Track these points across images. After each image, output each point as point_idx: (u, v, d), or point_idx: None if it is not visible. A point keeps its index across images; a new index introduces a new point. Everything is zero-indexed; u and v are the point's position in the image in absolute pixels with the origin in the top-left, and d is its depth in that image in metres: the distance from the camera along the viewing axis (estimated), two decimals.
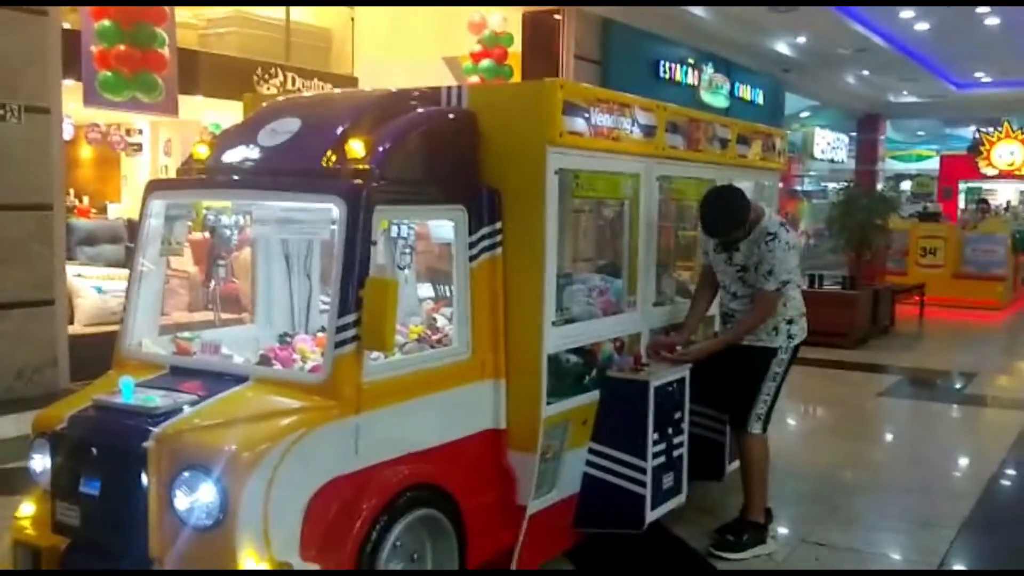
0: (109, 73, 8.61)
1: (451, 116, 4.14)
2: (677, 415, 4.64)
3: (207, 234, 4.42)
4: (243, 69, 10.88)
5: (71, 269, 8.60)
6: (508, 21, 11.67)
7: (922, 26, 17.02)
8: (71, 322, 8.32)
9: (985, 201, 21.58)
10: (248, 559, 3.08)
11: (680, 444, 4.67)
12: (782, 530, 5.15)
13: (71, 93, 8.73)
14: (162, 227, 4.09)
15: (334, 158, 3.68)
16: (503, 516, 4.05)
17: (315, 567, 3.21)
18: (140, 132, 13.11)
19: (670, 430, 4.57)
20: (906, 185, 30.38)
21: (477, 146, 4.09)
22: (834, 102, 25.11)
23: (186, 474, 3.17)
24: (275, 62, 11.37)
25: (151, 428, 3.27)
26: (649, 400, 4.36)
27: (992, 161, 23.89)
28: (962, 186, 25.61)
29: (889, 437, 7.98)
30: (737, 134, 5.59)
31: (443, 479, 3.72)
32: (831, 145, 28.30)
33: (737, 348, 4.75)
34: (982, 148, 24.02)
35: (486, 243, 4.02)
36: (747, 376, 4.78)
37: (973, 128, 26.42)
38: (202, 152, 4.06)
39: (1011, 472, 6.60)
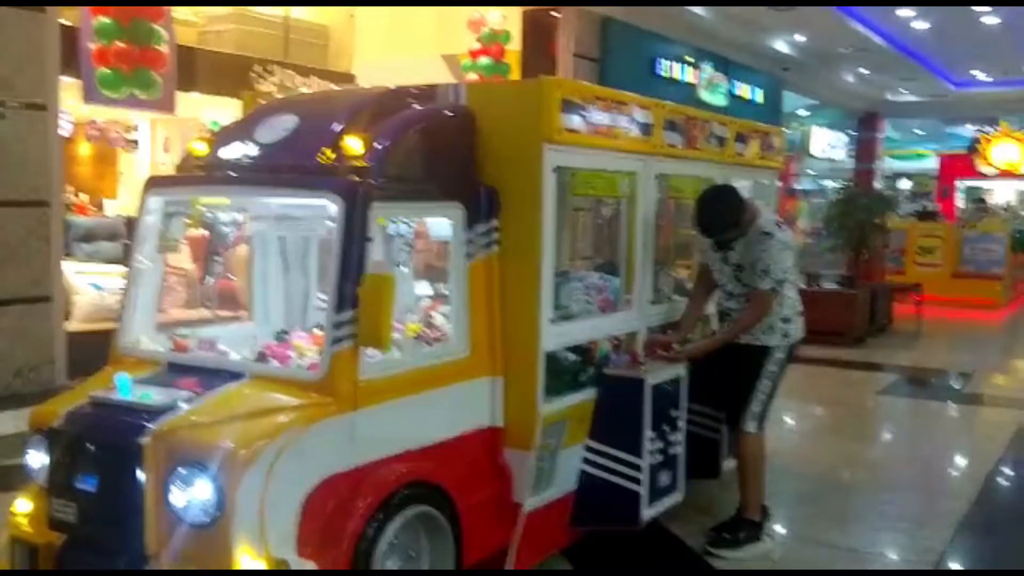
0: (107, 70, 8.61)
1: (449, 114, 4.14)
2: (674, 413, 4.64)
3: (205, 231, 4.42)
4: (241, 66, 10.85)
5: (69, 266, 8.59)
6: (507, 19, 11.67)
7: (921, 25, 17.01)
8: (68, 319, 8.31)
9: (983, 200, 21.60)
10: (244, 555, 3.08)
11: (677, 442, 4.68)
12: (779, 528, 5.15)
13: (70, 90, 8.72)
14: (160, 223, 4.09)
15: (332, 155, 3.68)
16: (500, 514, 4.05)
17: (311, 564, 3.21)
18: (138, 129, 13.09)
19: (667, 428, 4.57)
20: (904, 184, 30.39)
21: (475, 144, 4.09)
22: (833, 101, 25.09)
23: (182, 470, 3.17)
24: (273, 59, 11.35)
25: (148, 425, 3.27)
26: (646, 398, 4.36)
27: (990, 160, 23.89)
28: (960, 185, 25.62)
29: (886, 436, 7.98)
30: (735, 132, 5.59)
31: (440, 477, 3.72)
32: (830, 144, 28.29)
33: (734, 347, 4.75)
34: (980, 147, 24.01)
35: (483, 241, 4.02)
36: (743, 375, 4.79)
37: (972, 127, 26.42)
38: (200, 149, 4.07)
39: (1007, 471, 6.62)
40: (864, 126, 28.35)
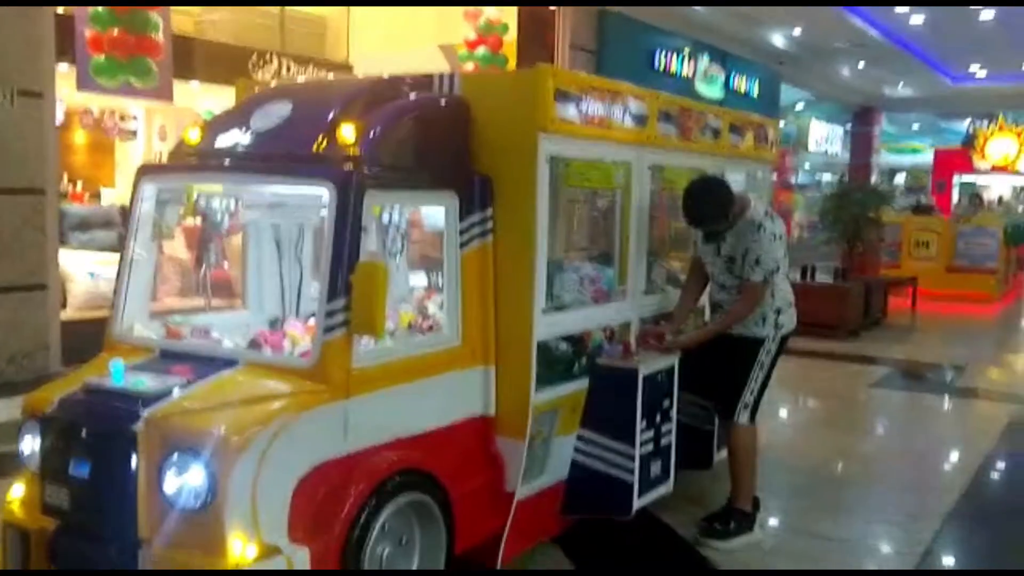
0: (102, 58, 8.57)
1: (443, 103, 4.14)
2: (666, 403, 4.66)
3: (198, 219, 4.42)
4: (238, 56, 10.84)
5: (64, 254, 8.58)
6: (504, 10, 11.64)
7: (917, 20, 17.03)
8: (64, 307, 8.31)
9: (979, 196, 21.63)
10: (236, 541, 3.10)
11: (668, 432, 4.69)
12: (772, 520, 5.18)
13: (64, 78, 8.69)
14: (153, 211, 4.10)
15: (325, 143, 3.68)
16: (491, 502, 4.07)
17: (303, 549, 3.23)
18: (135, 118, 13.07)
19: (658, 418, 4.59)
20: (900, 178, 30.43)
21: (469, 133, 4.09)
22: (829, 95, 25.11)
23: (175, 457, 3.19)
24: (270, 49, 11.33)
25: (141, 411, 3.28)
26: (638, 388, 4.37)
27: (986, 155, 23.92)
28: (956, 180, 25.65)
29: (879, 428, 8.01)
30: (729, 124, 5.60)
31: (432, 464, 3.74)
32: (826, 138, 28.32)
33: (725, 338, 4.76)
34: (976, 142, 24.04)
35: (477, 230, 4.03)
36: (735, 366, 4.80)
37: (967, 122, 26.44)
38: (193, 136, 4.06)
39: (998, 464, 6.66)
40: (860, 120, 28.39)
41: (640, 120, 4.70)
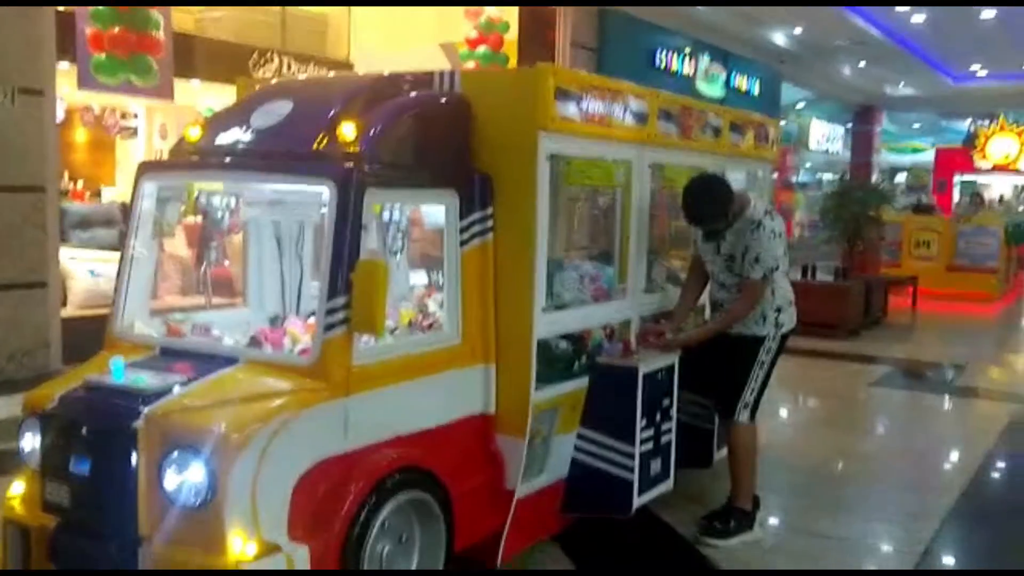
0: (103, 56, 8.58)
1: (443, 101, 4.14)
2: (666, 402, 4.66)
3: (199, 217, 4.43)
4: (239, 54, 10.85)
5: (65, 252, 8.59)
6: (505, 8, 11.65)
7: (919, 19, 17.03)
8: (64, 305, 8.31)
9: (979, 195, 21.63)
10: (236, 539, 3.10)
11: (668, 431, 4.69)
12: (772, 519, 5.18)
13: (65, 76, 8.69)
14: (154, 209, 4.09)
15: (325, 141, 3.68)
16: (491, 500, 4.07)
17: (303, 547, 3.23)
18: (135, 116, 13.07)
19: (658, 417, 4.59)
20: (901, 177, 30.41)
21: (469, 131, 4.09)
22: (830, 93, 25.11)
23: (175, 454, 3.19)
24: (271, 47, 11.33)
25: (141, 408, 3.28)
26: (638, 387, 4.37)
27: (987, 154, 23.91)
28: (957, 179, 25.64)
29: (879, 427, 8.01)
30: (730, 122, 5.59)
31: (432, 462, 3.73)
32: (827, 136, 28.31)
33: (725, 337, 4.76)
34: (977, 141, 24.03)
35: (477, 228, 4.03)
36: (735, 364, 4.80)
37: (969, 121, 26.44)
38: (194, 134, 4.06)
39: (997, 463, 6.66)
40: (861, 119, 28.39)
41: (641, 119, 4.70)
